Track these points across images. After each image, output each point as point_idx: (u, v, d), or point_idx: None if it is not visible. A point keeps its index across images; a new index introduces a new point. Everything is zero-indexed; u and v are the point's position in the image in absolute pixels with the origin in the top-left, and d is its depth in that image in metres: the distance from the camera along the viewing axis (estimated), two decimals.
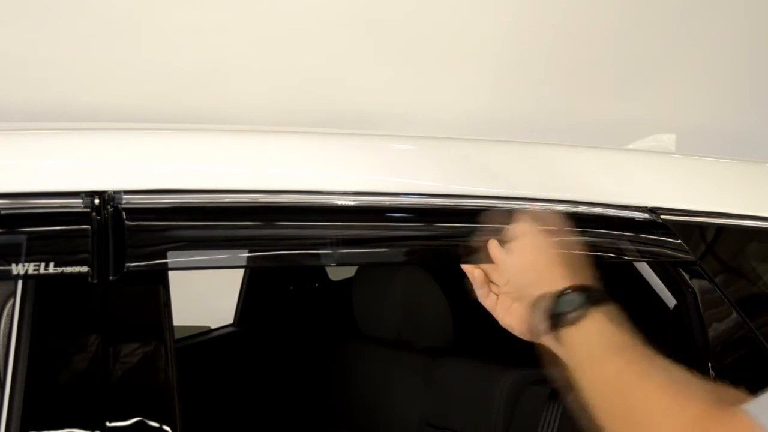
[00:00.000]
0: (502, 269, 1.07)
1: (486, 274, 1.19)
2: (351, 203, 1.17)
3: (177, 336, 1.07)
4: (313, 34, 2.69)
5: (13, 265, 0.96)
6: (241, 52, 2.65)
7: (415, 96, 2.84)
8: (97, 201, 1.04)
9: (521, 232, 1.05)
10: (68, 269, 0.98)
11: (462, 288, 1.22)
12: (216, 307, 2.26)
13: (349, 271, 2.12)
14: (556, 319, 0.97)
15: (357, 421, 2.03)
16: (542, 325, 0.98)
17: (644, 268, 1.35)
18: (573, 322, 0.95)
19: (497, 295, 1.18)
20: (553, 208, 1.25)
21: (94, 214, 1.02)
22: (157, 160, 1.12)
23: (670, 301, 1.37)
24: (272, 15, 2.64)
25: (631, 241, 1.27)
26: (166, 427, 0.97)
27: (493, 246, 1.17)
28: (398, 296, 1.91)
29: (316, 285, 2.31)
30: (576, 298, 0.97)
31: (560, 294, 0.98)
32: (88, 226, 1.01)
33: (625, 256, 1.27)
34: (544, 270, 1.02)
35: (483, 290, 1.19)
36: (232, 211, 1.09)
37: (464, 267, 1.20)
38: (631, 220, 1.29)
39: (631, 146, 1.68)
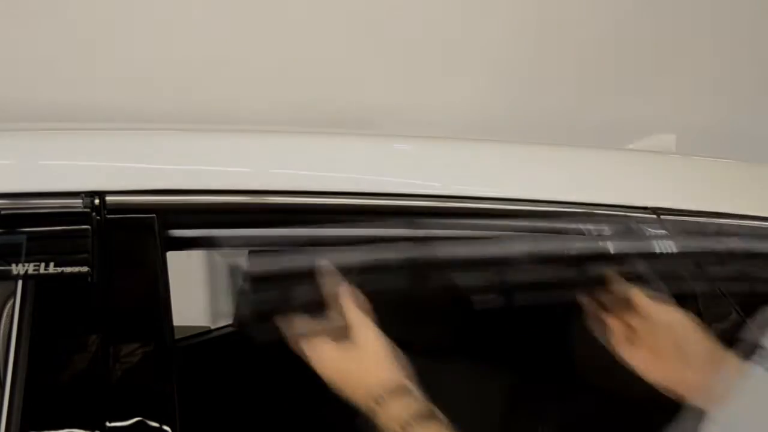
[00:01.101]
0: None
1: (625, 324, 1.14)
2: (352, 204, 1.17)
3: (177, 336, 1.07)
4: (312, 34, 2.69)
5: (13, 265, 0.96)
6: (242, 52, 2.65)
7: (416, 96, 2.84)
8: (97, 201, 1.04)
9: (357, 322, 1.09)
10: (68, 269, 0.98)
11: (462, 288, 1.22)
12: (216, 307, 2.25)
13: None
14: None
15: (356, 422, 2.03)
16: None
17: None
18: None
19: (638, 346, 1.12)
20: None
21: (94, 214, 1.02)
22: (156, 160, 1.12)
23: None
24: (272, 15, 2.64)
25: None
26: (166, 427, 0.96)
27: (636, 295, 1.13)
28: (398, 296, 1.91)
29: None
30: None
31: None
32: (88, 226, 1.01)
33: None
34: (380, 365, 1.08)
35: (621, 340, 1.14)
36: (232, 211, 1.09)
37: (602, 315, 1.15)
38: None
39: (631, 146, 1.68)
